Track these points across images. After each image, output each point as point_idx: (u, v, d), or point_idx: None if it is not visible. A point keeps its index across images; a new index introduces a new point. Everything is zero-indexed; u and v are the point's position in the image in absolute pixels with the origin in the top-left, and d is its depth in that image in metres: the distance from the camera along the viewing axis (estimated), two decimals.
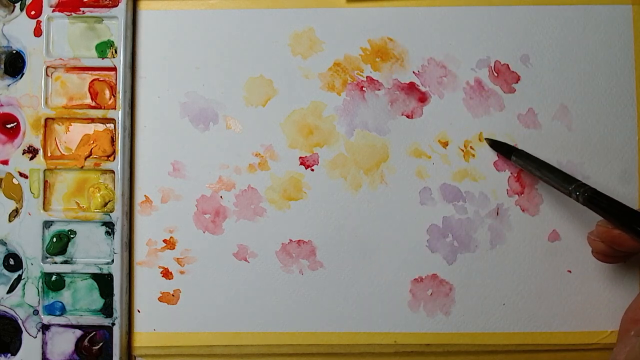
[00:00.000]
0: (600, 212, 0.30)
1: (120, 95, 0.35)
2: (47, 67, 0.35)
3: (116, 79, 0.35)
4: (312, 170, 0.35)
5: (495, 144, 0.35)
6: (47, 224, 0.35)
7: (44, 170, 0.35)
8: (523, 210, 0.35)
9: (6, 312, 0.35)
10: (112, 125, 0.35)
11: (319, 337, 0.35)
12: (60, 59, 0.35)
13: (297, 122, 0.35)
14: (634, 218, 0.29)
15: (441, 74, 0.35)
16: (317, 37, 0.35)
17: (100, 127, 0.35)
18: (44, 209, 0.35)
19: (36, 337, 0.34)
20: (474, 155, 0.35)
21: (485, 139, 0.35)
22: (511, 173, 0.35)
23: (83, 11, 0.35)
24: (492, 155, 0.35)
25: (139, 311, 0.35)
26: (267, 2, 0.36)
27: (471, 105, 0.35)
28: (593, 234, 0.31)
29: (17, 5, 0.35)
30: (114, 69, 0.35)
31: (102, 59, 0.35)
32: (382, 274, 0.35)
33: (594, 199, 0.30)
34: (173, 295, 0.35)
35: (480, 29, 0.35)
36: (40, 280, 0.34)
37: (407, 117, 0.35)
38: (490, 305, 0.35)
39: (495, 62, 0.35)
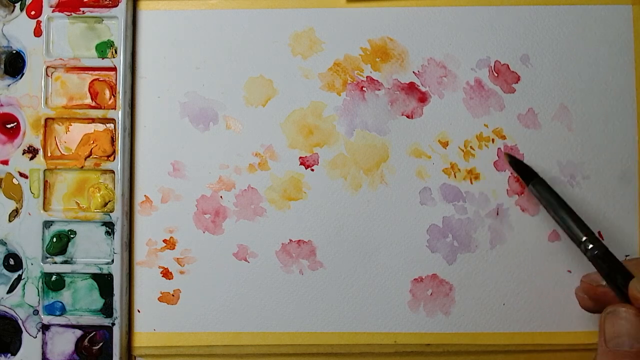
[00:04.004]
0: (602, 274, 0.29)
1: (120, 95, 0.35)
2: (47, 67, 0.35)
3: (116, 79, 0.35)
4: (312, 170, 0.35)
5: (515, 163, 0.33)
6: (47, 224, 0.35)
7: (44, 170, 0.35)
8: (523, 210, 0.35)
9: (6, 312, 0.35)
10: (112, 125, 0.35)
11: (319, 337, 0.35)
12: (60, 59, 0.35)
13: (297, 122, 0.35)
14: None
15: (441, 74, 0.35)
16: (317, 37, 0.35)
17: (100, 127, 0.35)
18: (44, 209, 0.35)
19: (36, 337, 0.34)
20: (474, 155, 0.35)
21: (505, 154, 0.34)
22: (511, 173, 0.35)
23: (83, 11, 0.35)
24: (492, 155, 0.35)
25: (139, 311, 0.35)
26: (267, 2, 0.36)
27: (471, 105, 0.35)
28: (580, 290, 0.31)
29: (17, 5, 0.35)
30: (114, 69, 0.35)
31: (102, 59, 0.35)
32: (382, 274, 0.35)
33: (605, 259, 0.29)
34: (173, 295, 0.35)
35: (480, 29, 0.35)
36: (40, 280, 0.34)
37: (407, 117, 0.35)
38: (490, 305, 0.35)
39: (495, 62, 0.35)
